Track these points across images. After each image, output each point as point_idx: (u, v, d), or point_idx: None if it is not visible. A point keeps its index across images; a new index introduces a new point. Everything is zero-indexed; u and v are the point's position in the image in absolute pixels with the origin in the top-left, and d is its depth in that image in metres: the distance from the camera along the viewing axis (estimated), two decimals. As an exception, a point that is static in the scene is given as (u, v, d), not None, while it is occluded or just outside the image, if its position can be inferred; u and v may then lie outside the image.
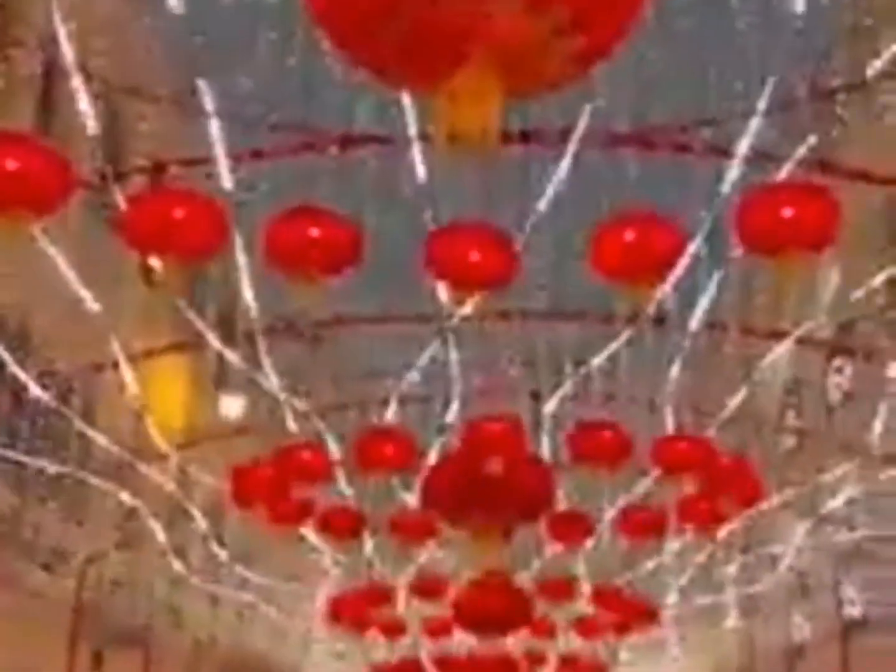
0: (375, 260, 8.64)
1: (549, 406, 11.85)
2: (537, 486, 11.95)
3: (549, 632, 20.73)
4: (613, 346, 10.33)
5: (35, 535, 14.47)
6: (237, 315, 10.58)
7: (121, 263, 13.04)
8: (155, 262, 6.64)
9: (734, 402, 11.62)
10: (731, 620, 22.27)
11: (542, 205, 8.12)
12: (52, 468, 12.86)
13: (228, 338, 10.64)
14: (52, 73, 8.93)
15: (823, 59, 7.89)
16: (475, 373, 11.55)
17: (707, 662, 25.84)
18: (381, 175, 8.03)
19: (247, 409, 19.14)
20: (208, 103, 7.49)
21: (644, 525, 14.37)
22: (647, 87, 7.20)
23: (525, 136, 7.67)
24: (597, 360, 10.63)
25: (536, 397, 12.47)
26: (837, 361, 18.19)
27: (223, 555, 18.32)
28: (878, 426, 13.98)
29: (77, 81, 7.15)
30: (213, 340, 10.34)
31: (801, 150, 7.34)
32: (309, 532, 16.27)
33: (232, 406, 20.62)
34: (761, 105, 7.27)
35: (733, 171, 7.72)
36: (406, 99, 7.63)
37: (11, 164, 5.87)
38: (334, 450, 11.81)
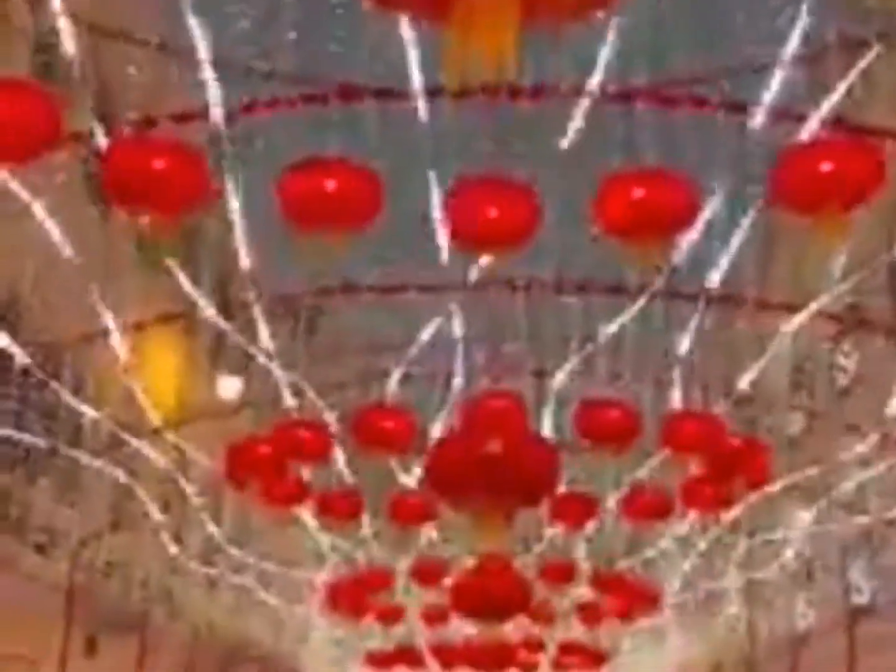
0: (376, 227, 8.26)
1: (555, 382, 11.46)
2: (541, 466, 11.59)
3: (548, 618, 20.43)
4: (622, 318, 9.94)
5: (25, 514, 14.12)
6: (233, 285, 10.23)
7: (114, 236, 12.68)
8: (139, 219, 6.26)
9: (745, 379, 11.25)
10: (734, 607, 21.95)
11: (553, 165, 7.74)
12: (43, 444, 12.49)
13: (224, 309, 10.28)
14: (43, 22, 8.60)
15: (853, 7, 7.54)
16: (479, 348, 11.18)
17: (708, 651, 25.53)
18: (384, 131, 7.66)
19: (244, 390, 18.79)
20: (202, 50, 7.12)
21: (649, 507, 14.04)
22: (665, 37, 6.84)
23: (537, 91, 7.30)
24: (605, 334, 10.24)
25: (540, 375, 12.09)
26: (845, 345, 17.87)
27: (220, 538, 17.97)
28: (888, 408, 13.67)
29: (63, 24, 6.80)
30: (208, 310, 9.97)
31: (828, 106, 6.98)
32: (307, 515, 15.98)
33: (229, 387, 20.28)
34: (786, 55, 6.92)
35: (755, 128, 7.35)
36: (411, 48, 7.26)
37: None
38: (333, 427, 11.42)
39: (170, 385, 16.18)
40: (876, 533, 17.26)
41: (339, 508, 13.67)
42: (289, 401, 11.79)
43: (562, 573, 17.97)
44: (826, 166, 5.98)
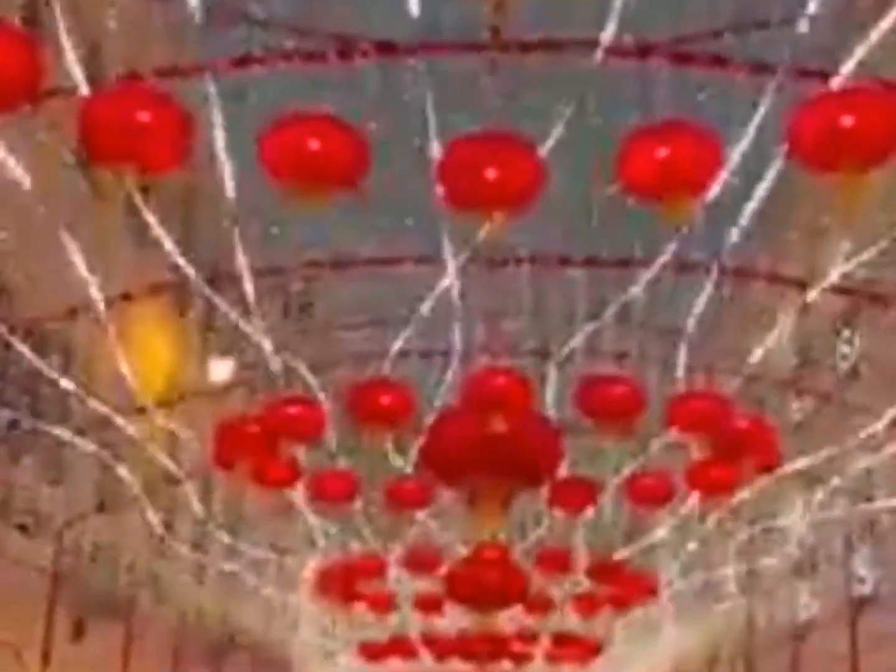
0: (373, 195, 7.87)
1: (557, 360, 11.06)
2: (544, 447, 11.23)
3: (543, 608, 20.12)
4: (630, 291, 9.54)
5: (8, 495, 13.70)
6: (224, 257, 9.82)
7: (104, 209, 12.28)
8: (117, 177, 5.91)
9: (756, 353, 10.86)
10: (733, 597, 21.60)
11: (561, 127, 7.33)
12: (27, 423, 12.07)
13: (215, 282, 9.87)
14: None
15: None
16: (480, 325, 10.78)
17: (705, 643, 25.20)
18: (382, 91, 7.26)
19: (236, 371, 18.37)
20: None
21: (651, 492, 13.67)
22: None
23: (546, 45, 6.91)
24: (612, 309, 9.84)
25: (543, 355, 11.69)
26: (854, 326, 17.52)
27: (210, 523, 17.58)
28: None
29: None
30: (199, 282, 9.55)
31: (853, 61, 6.60)
32: (299, 498, 15.60)
33: (221, 368, 19.87)
34: (810, 9, 6.54)
35: (775, 87, 6.96)
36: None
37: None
38: (326, 405, 11.02)
39: (159, 364, 15.75)
40: (880, 522, 16.91)
41: (333, 491, 13.30)
42: (280, 379, 11.36)
43: (558, 562, 17.65)
44: (847, 120, 5.59)
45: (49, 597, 15.18)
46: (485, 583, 14.70)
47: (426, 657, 25.32)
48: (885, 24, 6.51)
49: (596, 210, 8.77)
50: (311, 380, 11.15)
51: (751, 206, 8.08)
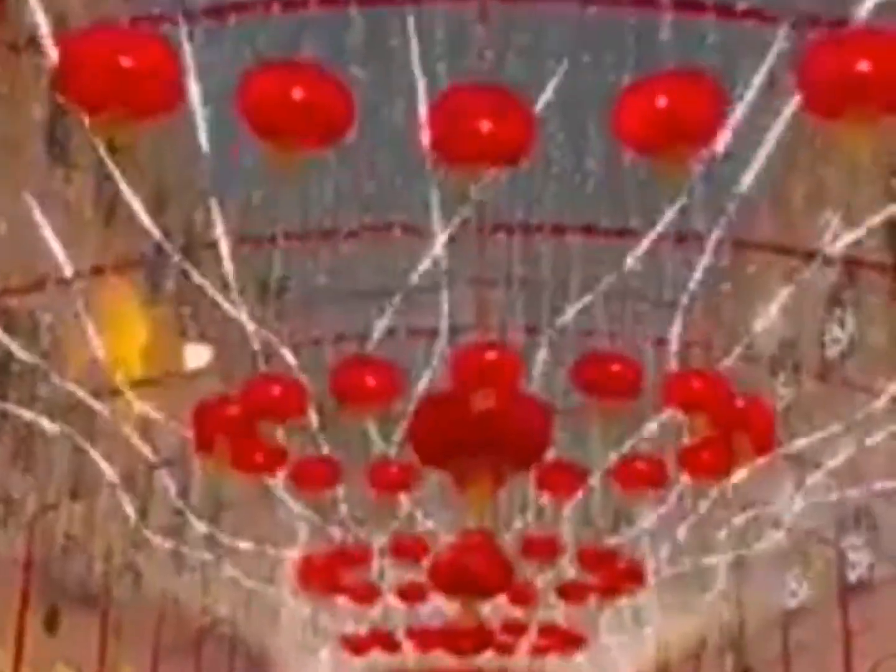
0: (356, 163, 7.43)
1: (549, 335, 10.64)
2: (533, 427, 10.84)
3: (529, 598, 19.77)
4: (628, 262, 9.12)
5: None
6: (199, 227, 9.37)
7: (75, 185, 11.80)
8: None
9: (759, 323, 10.45)
10: (721, 584, 21.28)
11: (556, 81, 6.92)
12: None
13: (189, 253, 9.39)
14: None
15: None
16: (468, 300, 10.33)
17: (693, 630, 24.89)
18: (366, 40, 6.81)
19: (214, 355, 17.90)
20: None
21: (642, 476, 13.30)
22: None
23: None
24: (607, 281, 9.42)
25: (533, 331, 11.26)
26: (838, 311, 17.20)
27: (188, 511, 17.12)
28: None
29: None
30: (173, 253, 9.09)
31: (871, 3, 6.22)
32: (279, 486, 15.19)
33: (198, 355, 19.41)
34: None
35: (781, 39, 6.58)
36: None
37: None
38: (307, 384, 10.57)
39: (133, 342, 15.27)
40: (873, 506, 16.61)
41: (314, 476, 12.88)
42: (259, 358, 10.91)
43: (545, 549, 17.30)
44: (862, 65, 5.21)
45: (22, 588, 14.71)
46: (469, 571, 14.34)
47: (409, 649, 24.98)
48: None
49: (592, 175, 8.36)
50: (291, 359, 10.69)
51: (752, 172, 7.67)
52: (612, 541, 18.81)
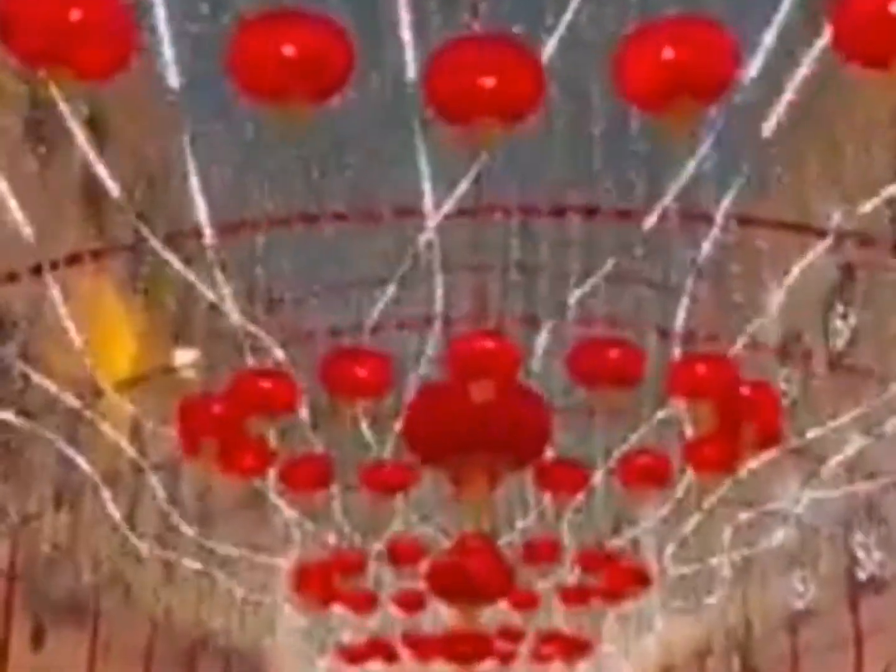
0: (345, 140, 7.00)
1: (547, 328, 10.20)
2: (532, 421, 10.41)
3: (530, 603, 19.34)
4: (631, 243, 8.67)
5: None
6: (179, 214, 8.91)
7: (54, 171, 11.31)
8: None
9: (773, 301, 10.01)
10: (726, 586, 20.82)
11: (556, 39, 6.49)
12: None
13: (170, 241, 8.94)
14: None
15: None
16: (463, 287, 9.88)
17: (698, 632, 24.42)
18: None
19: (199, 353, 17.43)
20: None
21: (645, 472, 12.87)
22: None
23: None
24: (608, 267, 8.97)
25: (532, 322, 10.81)
26: (840, 307, 16.80)
27: (178, 518, 16.64)
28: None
29: None
30: (155, 242, 8.64)
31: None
32: (270, 487, 14.76)
33: (186, 359, 18.98)
34: None
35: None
36: None
37: None
38: (298, 379, 10.12)
39: (116, 337, 14.78)
40: (883, 502, 16.17)
41: (306, 476, 12.45)
42: (246, 352, 10.45)
43: (546, 552, 16.88)
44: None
45: (5, 601, 14.23)
46: (468, 576, 13.92)
47: (408, 658, 24.50)
48: None
49: (596, 145, 7.92)
50: (279, 352, 10.25)
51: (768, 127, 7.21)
52: (614, 542, 18.39)
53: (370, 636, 22.96)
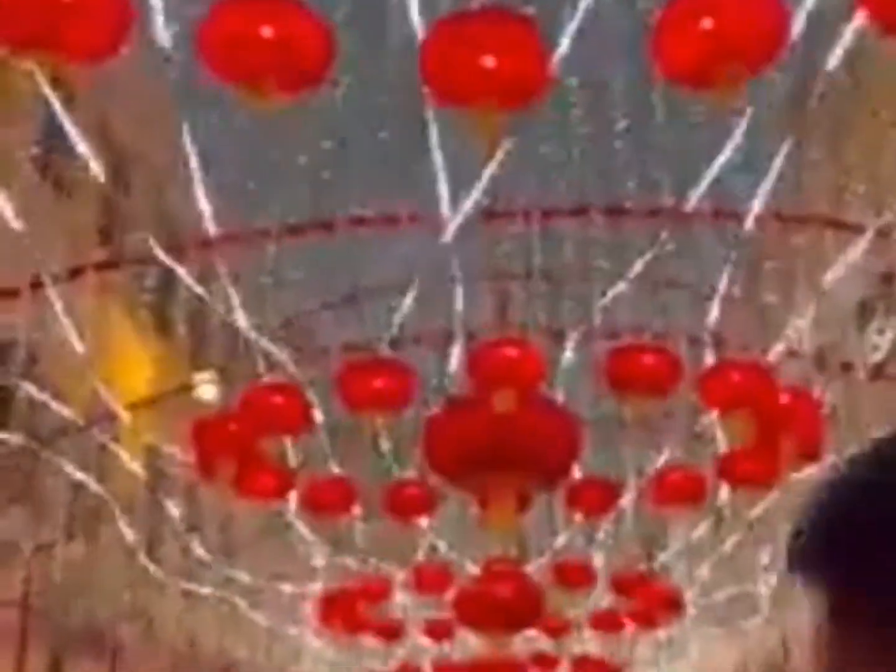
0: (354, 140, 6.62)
1: (573, 339, 9.75)
2: (560, 434, 9.98)
3: (561, 629, 18.83)
4: (658, 245, 8.23)
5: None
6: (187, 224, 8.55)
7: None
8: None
9: (807, 311, 9.53)
10: (764, 609, 20.19)
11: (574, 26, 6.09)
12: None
13: (178, 254, 8.56)
14: None
15: None
16: (482, 298, 9.46)
17: (735, 658, 23.77)
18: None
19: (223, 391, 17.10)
20: None
21: (679, 490, 12.38)
22: None
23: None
24: (636, 269, 8.53)
25: (558, 336, 10.37)
26: (876, 322, 16.27)
27: (198, 545, 16.22)
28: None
29: None
30: (159, 253, 8.27)
31: None
32: (291, 511, 14.33)
33: (207, 390, 18.71)
34: None
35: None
36: None
37: None
38: (314, 396, 9.73)
39: (131, 360, 14.43)
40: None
41: (328, 500, 12.03)
42: (261, 368, 10.06)
43: (576, 575, 16.38)
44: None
45: (20, 632, 13.83)
46: (496, 603, 13.46)
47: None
48: None
49: (616, 140, 7.51)
50: (293, 368, 9.85)
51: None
52: (646, 565, 17.86)
53: (398, 665, 22.47)
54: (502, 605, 13.14)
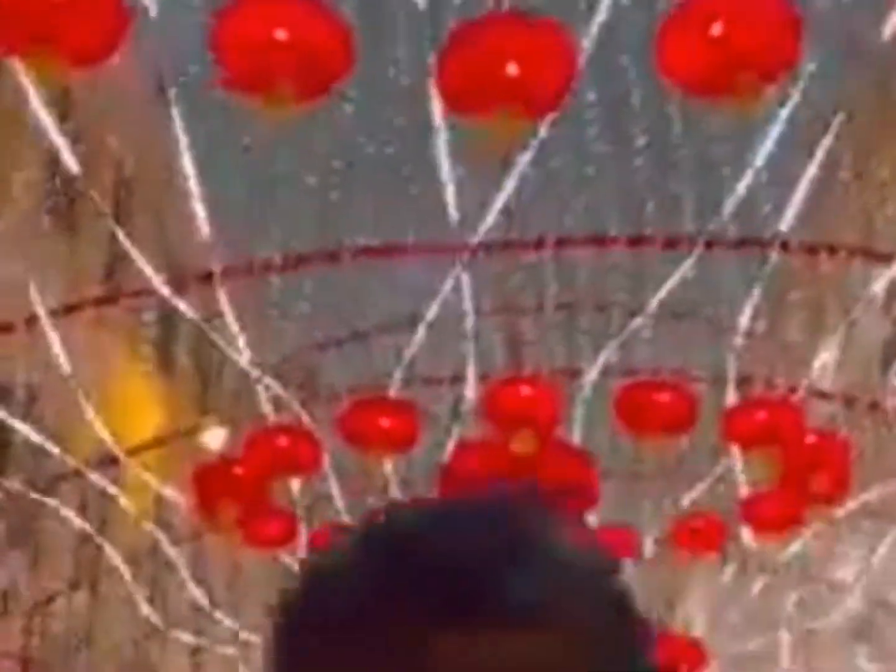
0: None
1: (590, 375, 9.38)
2: (579, 479, 9.59)
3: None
4: (675, 277, 7.86)
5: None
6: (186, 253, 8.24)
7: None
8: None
9: (830, 347, 9.15)
10: (786, 663, 19.57)
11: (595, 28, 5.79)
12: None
13: (177, 284, 8.25)
14: None
15: None
16: (495, 330, 9.10)
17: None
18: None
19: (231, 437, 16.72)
20: None
21: (700, 537, 11.92)
22: None
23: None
24: (656, 299, 8.16)
25: (574, 374, 10.00)
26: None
27: (204, 598, 15.74)
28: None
29: None
30: (158, 285, 7.96)
31: None
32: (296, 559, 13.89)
33: (215, 438, 18.35)
34: None
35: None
36: None
37: None
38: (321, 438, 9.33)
39: (134, 401, 14.07)
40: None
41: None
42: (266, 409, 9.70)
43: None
44: None
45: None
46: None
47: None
48: None
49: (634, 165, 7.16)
50: (299, 408, 9.49)
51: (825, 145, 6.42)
52: (667, 617, 17.33)
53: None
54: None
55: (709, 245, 7.74)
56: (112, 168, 10.25)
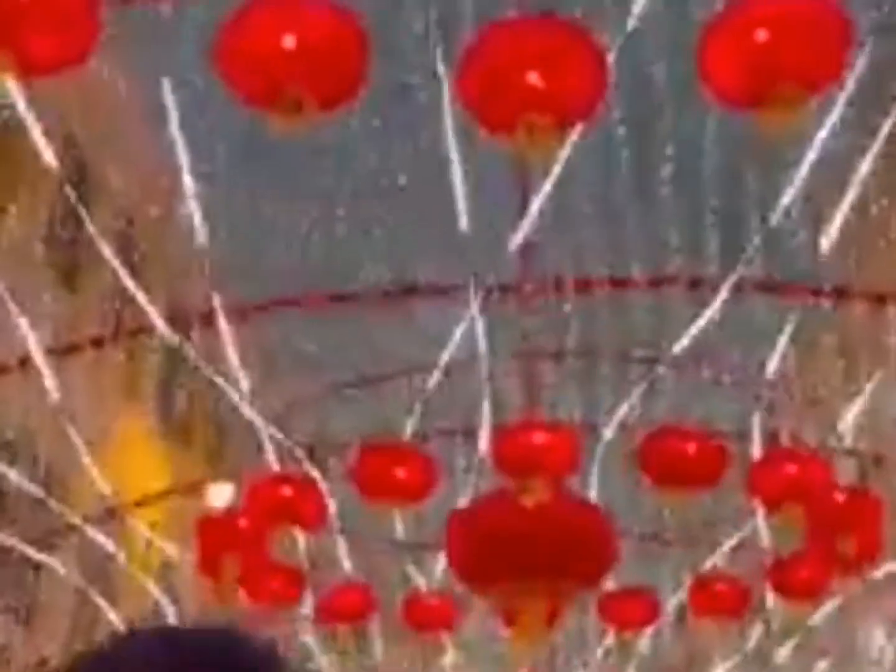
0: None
1: (610, 427, 8.98)
2: (597, 537, 9.14)
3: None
4: (700, 320, 7.49)
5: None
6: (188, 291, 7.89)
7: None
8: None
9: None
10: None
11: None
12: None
13: (180, 324, 7.90)
14: None
15: None
16: (512, 378, 8.72)
17: None
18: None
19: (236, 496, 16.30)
20: None
21: (721, 602, 11.43)
22: None
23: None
24: (681, 344, 7.78)
25: (592, 428, 9.61)
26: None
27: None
28: None
29: None
30: (160, 324, 7.61)
31: None
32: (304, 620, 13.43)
33: (221, 495, 18.00)
34: None
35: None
36: None
37: None
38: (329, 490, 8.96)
39: (138, 455, 13.67)
40: None
41: (343, 606, 11.16)
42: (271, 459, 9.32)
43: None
44: None
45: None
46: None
47: None
48: None
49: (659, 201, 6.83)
50: (304, 458, 9.11)
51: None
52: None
53: None
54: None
55: (738, 288, 7.38)
56: (114, 206, 10.00)
